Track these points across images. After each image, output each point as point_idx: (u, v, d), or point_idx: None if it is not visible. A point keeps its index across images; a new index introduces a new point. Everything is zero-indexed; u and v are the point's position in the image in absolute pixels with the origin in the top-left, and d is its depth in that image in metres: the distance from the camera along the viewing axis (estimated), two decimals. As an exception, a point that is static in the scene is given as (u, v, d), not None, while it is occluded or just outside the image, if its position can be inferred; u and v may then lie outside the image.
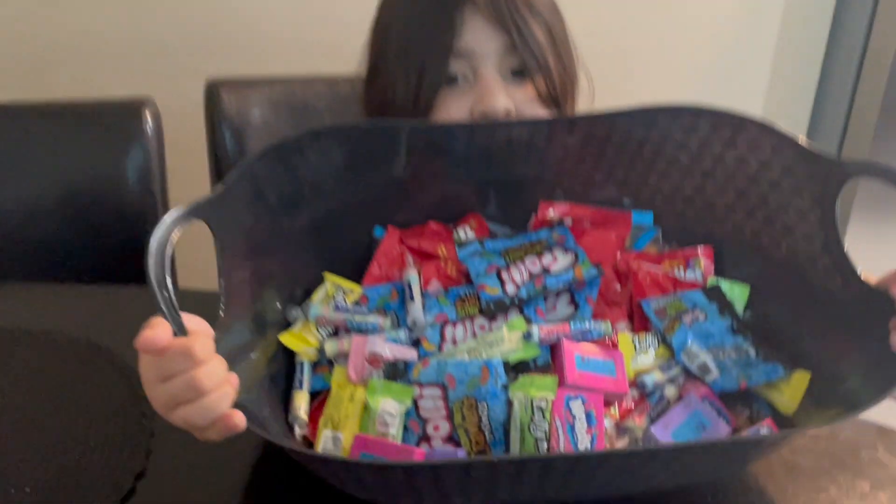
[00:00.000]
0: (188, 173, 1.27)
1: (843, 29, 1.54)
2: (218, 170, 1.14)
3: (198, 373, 0.48)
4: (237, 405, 0.50)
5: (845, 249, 0.62)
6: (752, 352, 0.64)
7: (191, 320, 0.52)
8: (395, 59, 0.73)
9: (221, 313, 0.56)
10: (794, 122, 1.66)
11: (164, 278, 0.49)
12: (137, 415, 0.72)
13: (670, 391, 0.62)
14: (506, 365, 0.60)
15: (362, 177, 0.70)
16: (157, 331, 0.47)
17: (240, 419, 0.49)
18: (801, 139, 0.63)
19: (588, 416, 0.57)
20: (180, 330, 0.49)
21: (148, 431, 0.69)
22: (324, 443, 0.59)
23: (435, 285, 0.69)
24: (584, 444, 0.56)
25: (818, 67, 1.61)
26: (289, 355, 0.65)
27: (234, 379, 0.50)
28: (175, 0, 1.36)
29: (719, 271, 0.71)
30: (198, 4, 1.37)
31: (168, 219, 0.51)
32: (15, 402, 0.73)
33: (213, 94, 1.11)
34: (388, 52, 0.74)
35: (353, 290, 0.69)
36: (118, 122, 1.09)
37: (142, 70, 1.40)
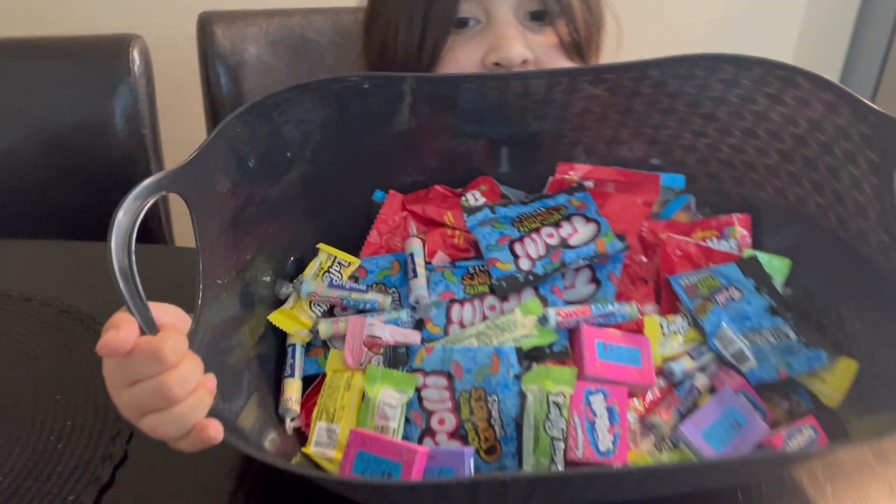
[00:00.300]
0: (183, 113, 1.19)
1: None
2: (213, 109, 1.07)
3: (168, 378, 0.41)
4: (213, 412, 0.44)
5: (905, 224, 0.54)
6: (792, 335, 0.57)
7: (163, 311, 0.45)
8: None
9: (199, 301, 0.49)
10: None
11: (130, 266, 0.42)
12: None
13: (701, 381, 0.56)
14: (519, 352, 0.54)
15: (358, 134, 0.62)
16: (122, 331, 0.41)
17: (215, 430, 0.42)
18: (858, 97, 0.55)
19: (610, 413, 0.52)
20: (149, 327, 0.42)
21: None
22: (318, 436, 0.54)
23: (441, 257, 0.62)
24: (605, 444, 0.50)
25: (852, 17, 1.50)
26: (279, 336, 0.59)
27: (210, 382, 0.44)
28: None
29: (757, 243, 0.64)
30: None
31: (131, 197, 0.43)
32: (-15, 375, 0.68)
33: (206, 28, 1.03)
34: None
35: (351, 262, 0.62)
36: (103, 60, 1.01)
37: (131, 1, 1.30)
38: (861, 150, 0.56)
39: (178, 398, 0.41)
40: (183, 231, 1.09)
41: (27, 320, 0.72)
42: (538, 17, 0.64)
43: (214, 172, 0.54)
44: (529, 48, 0.63)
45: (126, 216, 0.43)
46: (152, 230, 1.06)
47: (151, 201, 0.45)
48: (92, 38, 0.99)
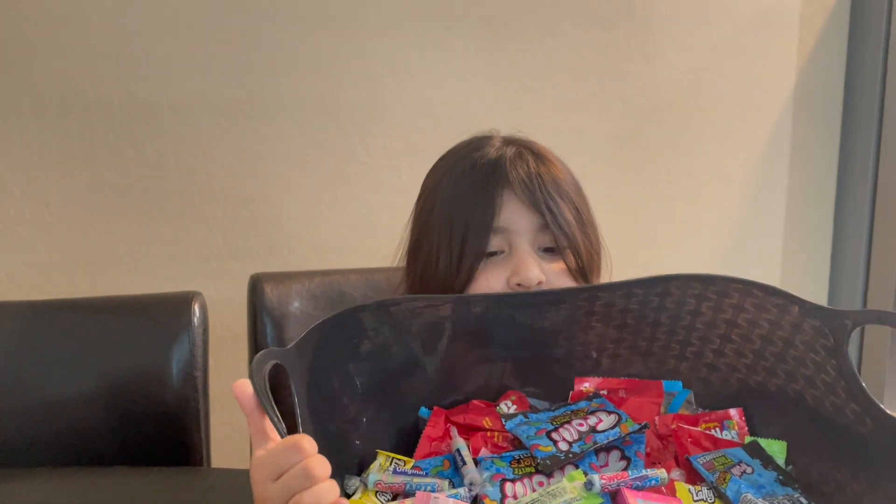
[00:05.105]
0: (230, 356, 1.30)
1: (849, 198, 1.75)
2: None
3: (310, 461, 0.54)
4: None
5: (868, 393, 0.66)
6: (804, 500, 0.65)
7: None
8: (440, 234, 0.83)
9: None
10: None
11: (268, 394, 0.57)
12: None
13: (735, 537, 0.62)
14: (571, 513, 0.60)
15: (405, 367, 0.74)
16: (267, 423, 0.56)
17: None
18: (801, 298, 0.71)
19: (662, 557, 0.57)
20: (284, 432, 0.56)
21: None
22: None
23: (485, 453, 0.70)
24: (664, 582, 0.55)
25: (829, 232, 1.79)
26: (349, 524, 0.64)
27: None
28: (224, 210, 1.48)
29: (753, 431, 0.74)
30: (244, 213, 1.49)
31: (259, 356, 0.60)
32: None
33: (257, 286, 1.18)
34: (433, 227, 0.84)
35: (406, 461, 0.70)
36: (169, 313, 1.15)
37: (190, 273, 1.47)
38: (816, 339, 0.70)
39: (319, 477, 0.53)
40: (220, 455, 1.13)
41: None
42: (550, 250, 0.83)
43: (303, 367, 0.65)
44: (543, 273, 0.80)
45: (257, 364, 0.59)
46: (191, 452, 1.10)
47: (272, 362, 0.58)
48: (162, 296, 1.15)
